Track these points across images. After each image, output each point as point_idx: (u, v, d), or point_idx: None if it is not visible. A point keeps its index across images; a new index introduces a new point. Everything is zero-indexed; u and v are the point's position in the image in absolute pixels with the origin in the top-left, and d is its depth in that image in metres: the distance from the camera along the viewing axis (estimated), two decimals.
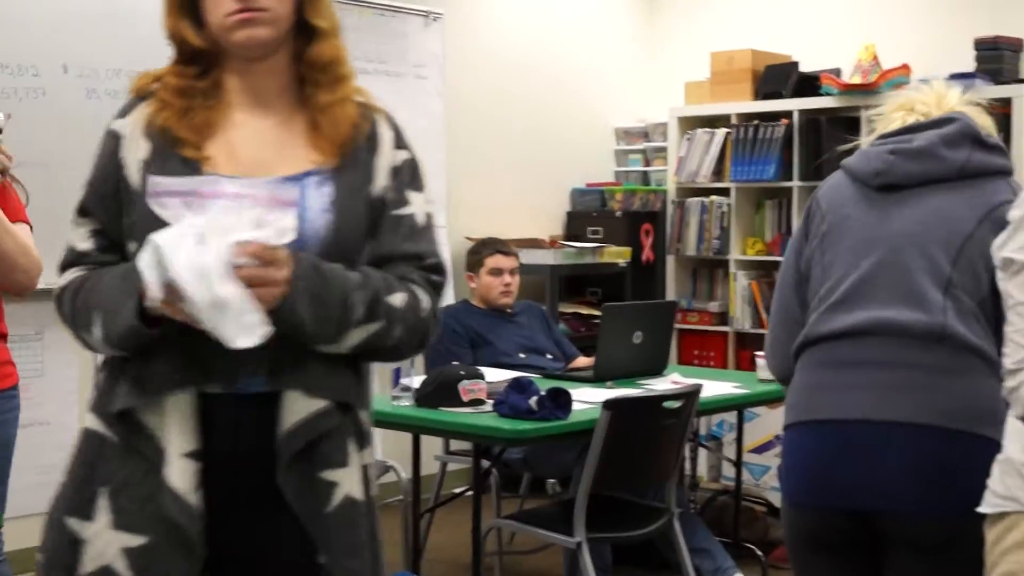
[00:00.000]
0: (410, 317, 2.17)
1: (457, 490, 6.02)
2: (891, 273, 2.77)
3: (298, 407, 2.11)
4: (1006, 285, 2.16)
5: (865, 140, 3.03)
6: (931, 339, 2.69)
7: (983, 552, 2.40)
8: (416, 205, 2.26)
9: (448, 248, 7.11)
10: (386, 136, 2.26)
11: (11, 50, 5.39)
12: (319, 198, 2.15)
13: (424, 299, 2.20)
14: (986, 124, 2.92)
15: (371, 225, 2.20)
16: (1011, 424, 2.23)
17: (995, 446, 2.53)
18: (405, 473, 5.30)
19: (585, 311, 7.39)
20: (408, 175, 2.27)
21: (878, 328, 2.75)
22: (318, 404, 2.11)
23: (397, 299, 2.15)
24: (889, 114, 3.00)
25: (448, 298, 6.74)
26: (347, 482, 2.14)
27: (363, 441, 2.21)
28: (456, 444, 5.76)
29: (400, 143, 2.28)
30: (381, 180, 2.23)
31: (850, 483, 2.71)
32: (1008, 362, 2.10)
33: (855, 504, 2.72)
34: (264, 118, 2.23)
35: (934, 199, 2.82)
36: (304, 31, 2.22)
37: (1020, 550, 2.14)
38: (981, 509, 2.25)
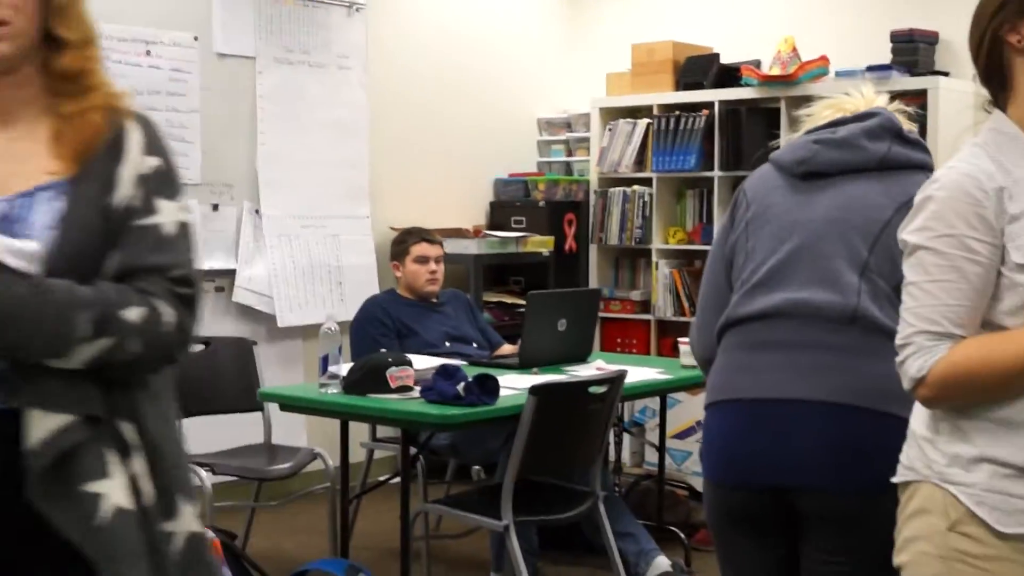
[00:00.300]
0: (149, 331, 2.09)
1: (382, 478, 6.06)
2: (810, 256, 2.86)
3: (40, 424, 2.04)
4: (902, 267, 2.25)
5: (793, 136, 3.13)
6: (844, 320, 2.77)
7: (892, 523, 2.49)
8: (165, 214, 2.14)
9: (372, 238, 7.15)
10: (134, 142, 2.16)
11: None
12: (47, 213, 2.09)
13: (167, 313, 2.11)
14: (909, 127, 3.04)
15: (110, 236, 2.11)
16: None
17: (905, 424, 2.63)
18: (332, 460, 5.32)
19: (509, 300, 7.44)
20: (157, 182, 2.16)
21: (794, 309, 2.83)
22: (61, 420, 2.05)
23: (133, 314, 2.07)
24: (818, 113, 3.12)
25: (373, 288, 6.80)
26: (113, 492, 2.08)
27: (126, 451, 2.12)
28: (382, 432, 5.80)
29: (152, 149, 2.17)
30: (125, 189, 2.12)
31: (765, 461, 2.79)
32: (898, 338, 2.20)
33: (770, 481, 2.79)
34: (5, 132, 2.16)
35: (855, 187, 2.91)
36: (53, 41, 2.15)
37: (917, 517, 2.23)
38: (893, 479, 2.33)
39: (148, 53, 6.17)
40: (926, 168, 2.96)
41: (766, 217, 2.97)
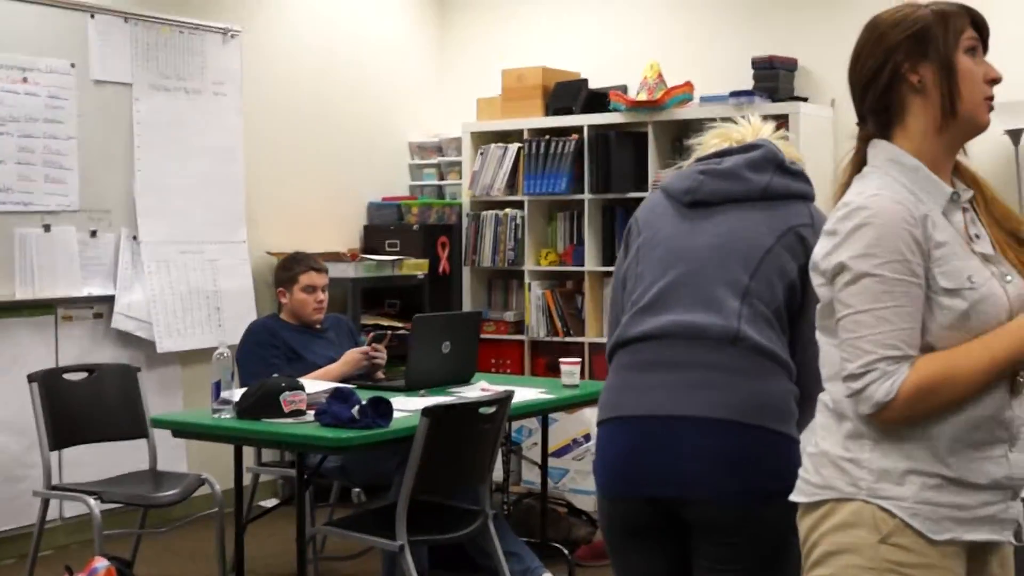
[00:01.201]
0: None
1: (266, 503, 6.09)
2: (694, 281, 3.00)
3: None
4: (839, 294, 2.34)
5: (683, 164, 3.28)
6: (725, 341, 2.91)
7: (773, 531, 2.69)
8: None
9: (249, 263, 7.18)
10: None
11: None
12: None
13: None
14: (793, 155, 3.21)
15: None
16: (821, 420, 2.42)
17: (783, 439, 2.83)
18: (219, 485, 5.35)
19: (385, 322, 7.50)
20: None
21: (678, 331, 2.97)
22: None
23: None
24: (707, 142, 3.28)
25: (251, 312, 6.85)
26: None
27: None
28: (267, 456, 5.84)
29: None
30: None
31: (650, 474, 2.92)
32: (852, 367, 2.29)
33: (655, 493, 2.92)
34: None
35: (737, 216, 3.06)
36: None
37: (840, 531, 2.34)
38: (796, 498, 2.43)
39: (25, 80, 6.14)
40: (806, 197, 3.13)
41: (655, 242, 3.11)
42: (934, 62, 2.38)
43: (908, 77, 2.39)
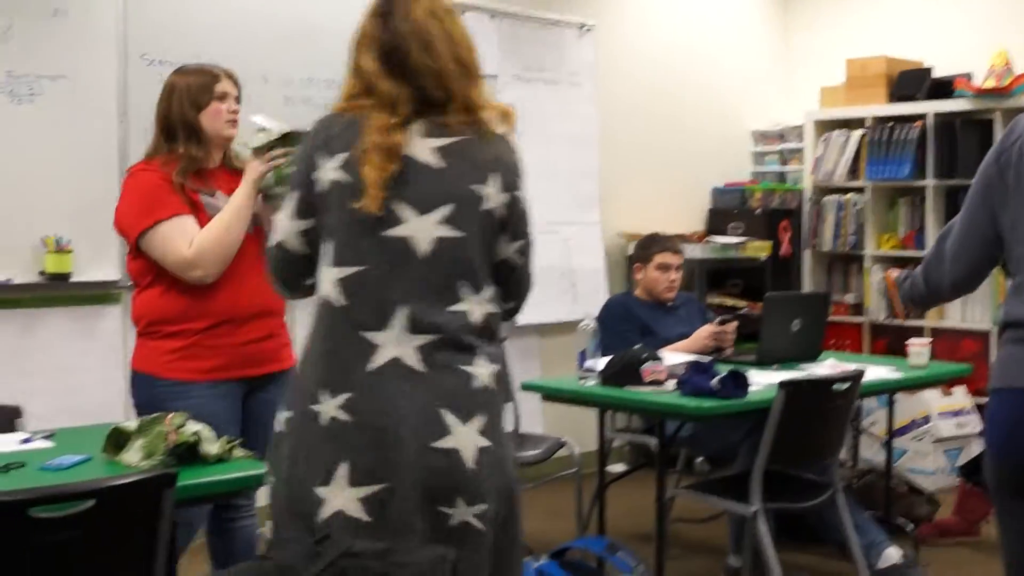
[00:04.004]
0: None
1: (613, 468, 6.39)
2: None
3: None
4: None
5: None
6: None
7: None
8: None
9: (602, 243, 7.57)
10: None
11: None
12: None
13: None
14: None
15: None
16: None
17: None
18: (578, 447, 5.73)
19: (729, 301, 7.77)
20: None
21: None
22: None
23: None
24: None
25: (603, 289, 7.21)
26: None
27: None
28: (619, 423, 6.19)
29: None
30: None
31: None
32: None
33: None
34: None
35: None
36: None
37: None
38: None
39: None
40: None
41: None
42: None
43: None
